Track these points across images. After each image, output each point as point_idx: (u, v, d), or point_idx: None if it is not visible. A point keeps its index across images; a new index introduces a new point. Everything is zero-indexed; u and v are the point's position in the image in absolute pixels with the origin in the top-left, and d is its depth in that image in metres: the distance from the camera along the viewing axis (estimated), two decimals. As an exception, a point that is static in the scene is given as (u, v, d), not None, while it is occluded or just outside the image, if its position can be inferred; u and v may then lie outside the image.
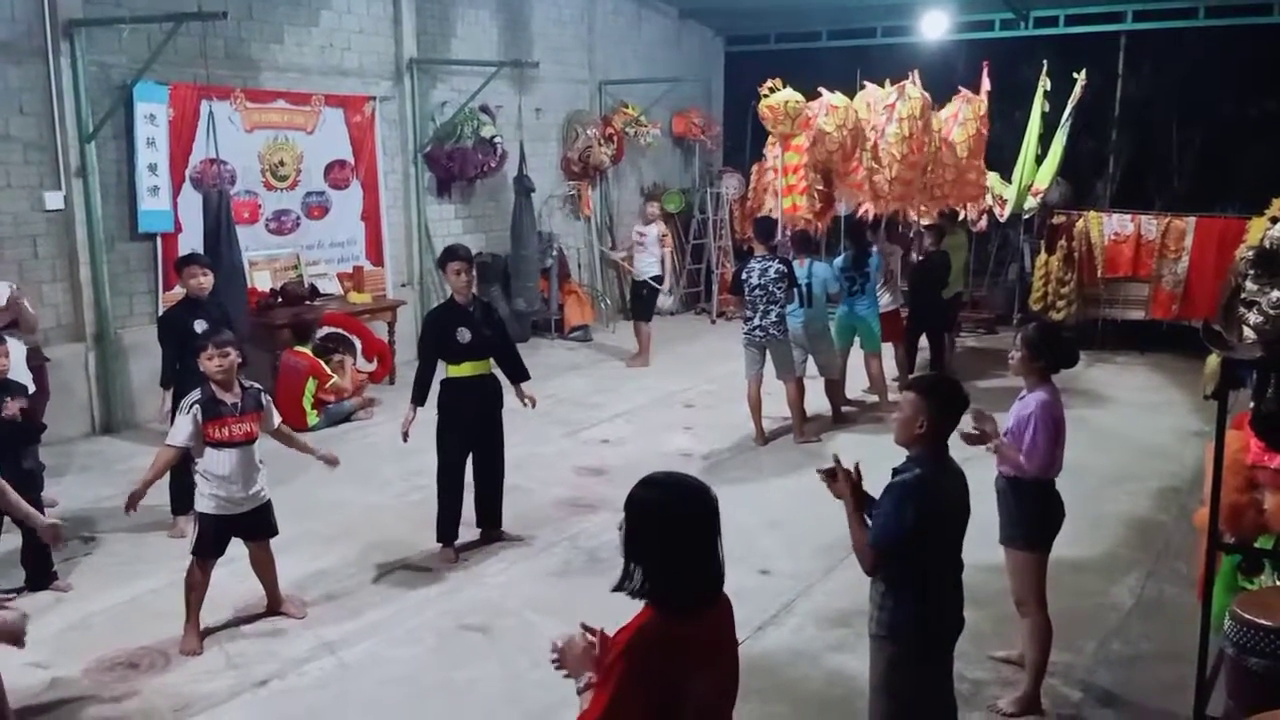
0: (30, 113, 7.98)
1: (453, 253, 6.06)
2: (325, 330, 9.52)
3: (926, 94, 9.40)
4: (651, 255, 11.49)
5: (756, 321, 8.18)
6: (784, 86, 8.86)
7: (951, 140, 9.90)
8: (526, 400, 6.35)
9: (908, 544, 3.41)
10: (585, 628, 2.60)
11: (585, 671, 2.51)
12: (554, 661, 2.58)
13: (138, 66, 8.27)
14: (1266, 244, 4.42)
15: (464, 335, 5.95)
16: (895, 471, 3.56)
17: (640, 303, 11.46)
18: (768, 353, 8.25)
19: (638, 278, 11.50)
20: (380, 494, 7.22)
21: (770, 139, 9.24)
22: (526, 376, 6.41)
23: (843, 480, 3.61)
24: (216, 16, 7.85)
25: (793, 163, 9.02)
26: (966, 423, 4.28)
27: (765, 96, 8.79)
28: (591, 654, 2.53)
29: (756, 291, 8.14)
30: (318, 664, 4.92)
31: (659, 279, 11.51)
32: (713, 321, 14.00)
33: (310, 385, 8.66)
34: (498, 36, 12.03)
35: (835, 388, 9.07)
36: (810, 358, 8.75)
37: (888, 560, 3.46)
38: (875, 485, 3.63)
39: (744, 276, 8.27)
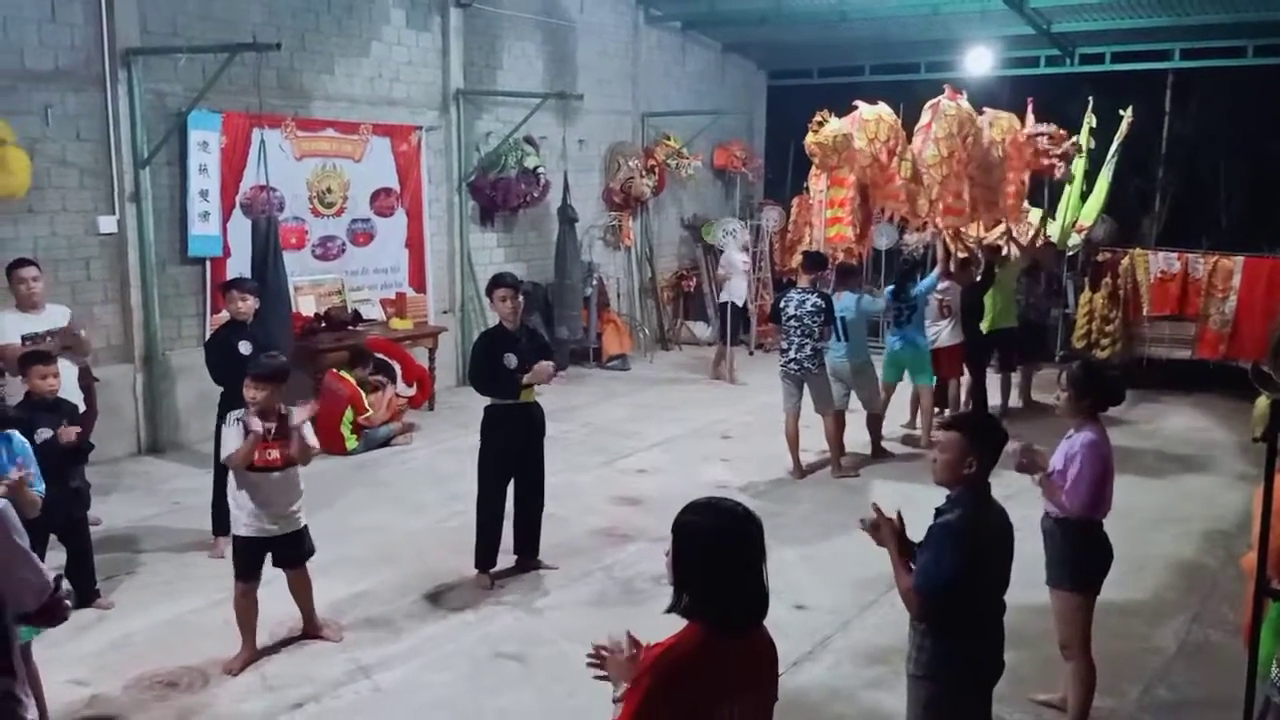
0: (87, 139, 8.17)
1: (499, 280, 6.15)
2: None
3: (967, 107, 9.23)
4: (742, 281, 12.44)
5: (791, 355, 8.17)
6: (831, 117, 8.77)
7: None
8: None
9: (955, 587, 3.38)
10: (632, 639, 2.61)
11: (624, 682, 2.53)
12: (592, 661, 2.62)
13: (192, 95, 8.46)
14: (1317, 285, 4.36)
15: (511, 360, 5.97)
16: (938, 511, 3.52)
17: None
18: (805, 386, 8.22)
19: (739, 302, 12.41)
20: (419, 519, 7.26)
21: (814, 170, 9.22)
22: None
23: (885, 528, 3.56)
24: (270, 47, 8.03)
25: (839, 196, 8.99)
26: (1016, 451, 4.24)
27: (814, 132, 8.69)
28: (633, 665, 2.55)
29: (791, 323, 8.12)
30: (353, 688, 4.94)
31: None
32: (750, 353, 13.97)
33: (348, 413, 8.76)
34: (543, 68, 12.18)
35: (877, 422, 9.01)
36: (853, 392, 8.70)
37: (936, 605, 3.41)
38: (916, 520, 3.60)
39: (781, 305, 8.29)
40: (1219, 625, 5.71)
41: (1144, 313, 11.54)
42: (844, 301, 8.47)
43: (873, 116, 8.85)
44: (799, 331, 8.10)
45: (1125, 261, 11.54)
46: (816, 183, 9.28)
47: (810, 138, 8.70)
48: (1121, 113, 10.86)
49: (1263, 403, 8.25)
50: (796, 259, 14.60)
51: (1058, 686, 4.67)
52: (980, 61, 12.98)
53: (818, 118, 8.71)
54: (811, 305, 8.08)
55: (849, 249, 9.13)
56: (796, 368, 8.16)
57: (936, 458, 3.54)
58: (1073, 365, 4.66)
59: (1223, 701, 4.49)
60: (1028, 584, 4.29)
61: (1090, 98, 10.86)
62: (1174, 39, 12.61)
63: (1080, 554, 4.35)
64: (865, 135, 8.74)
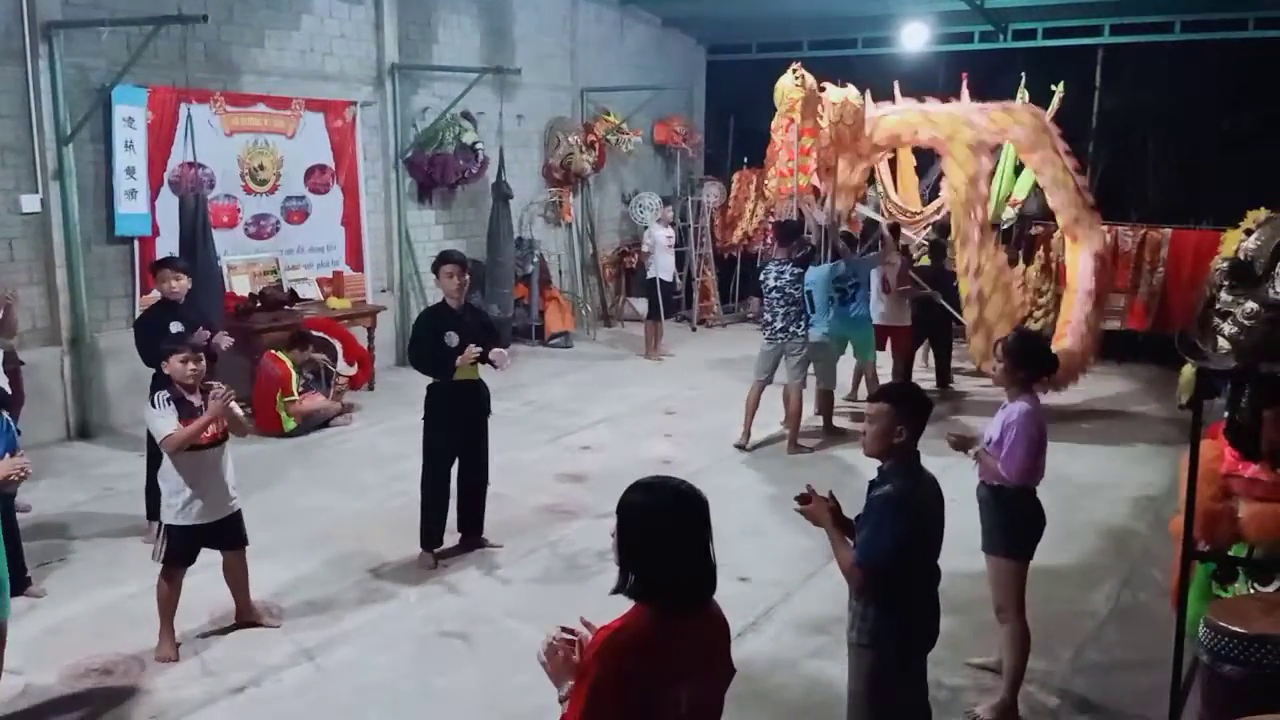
0: (7, 115, 7.91)
1: (446, 256, 6.14)
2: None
3: (855, 98, 9.36)
4: (667, 257, 12.53)
5: (778, 325, 8.25)
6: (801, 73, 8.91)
7: None
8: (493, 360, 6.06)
9: (896, 558, 3.42)
10: (565, 629, 2.59)
11: (567, 680, 2.51)
12: (542, 663, 2.58)
13: (117, 69, 8.22)
14: (1240, 256, 4.49)
15: (452, 339, 5.93)
16: (872, 484, 3.57)
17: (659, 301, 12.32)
18: (782, 358, 8.29)
19: (666, 277, 12.49)
20: (360, 500, 7.19)
21: (777, 120, 9.32)
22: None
23: (818, 506, 3.60)
24: (197, 19, 7.83)
25: (806, 145, 9.16)
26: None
27: (797, 79, 8.77)
28: (572, 660, 2.54)
29: (774, 294, 8.23)
30: (295, 671, 4.89)
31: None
32: (693, 329, 14.03)
33: (280, 394, 8.64)
34: (480, 43, 12.03)
35: (829, 398, 9.08)
36: (812, 365, 8.76)
37: (877, 578, 3.45)
38: (861, 495, 3.64)
39: (761, 279, 8.40)
40: (1148, 588, 5.88)
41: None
42: (809, 275, 8.53)
43: (839, 99, 8.96)
44: (782, 301, 8.19)
45: (1058, 234, 11.74)
46: (785, 134, 9.35)
47: (783, 89, 8.81)
48: (1053, 88, 11.03)
49: (1188, 371, 8.50)
50: (737, 235, 14.74)
51: (993, 650, 4.78)
52: (915, 37, 13.12)
53: (794, 67, 8.92)
54: (790, 275, 8.18)
55: (809, 203, 9.28)
56: (784, 336, 8.24)
57: (866, 429, 3.60)
58: (1008, 337, 4.74)
59: (1153, 662, 4.64)
60: (963, 551, 4.38)
61: (1023, 73, 11.01)
62: (1104, 15, 12.84)
63: (1014, 521, 4.44)
64: (828, 116, 8.87)
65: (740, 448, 8.42)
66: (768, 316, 8.38)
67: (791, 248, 8.41)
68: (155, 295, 6.77)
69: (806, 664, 5.01)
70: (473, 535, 6.34)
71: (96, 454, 8.06)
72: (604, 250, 14.28)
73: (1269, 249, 4.42)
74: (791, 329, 8.22)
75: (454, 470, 6.20)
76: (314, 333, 9.32)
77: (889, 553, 3.41)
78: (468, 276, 6.12)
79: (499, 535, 6.43)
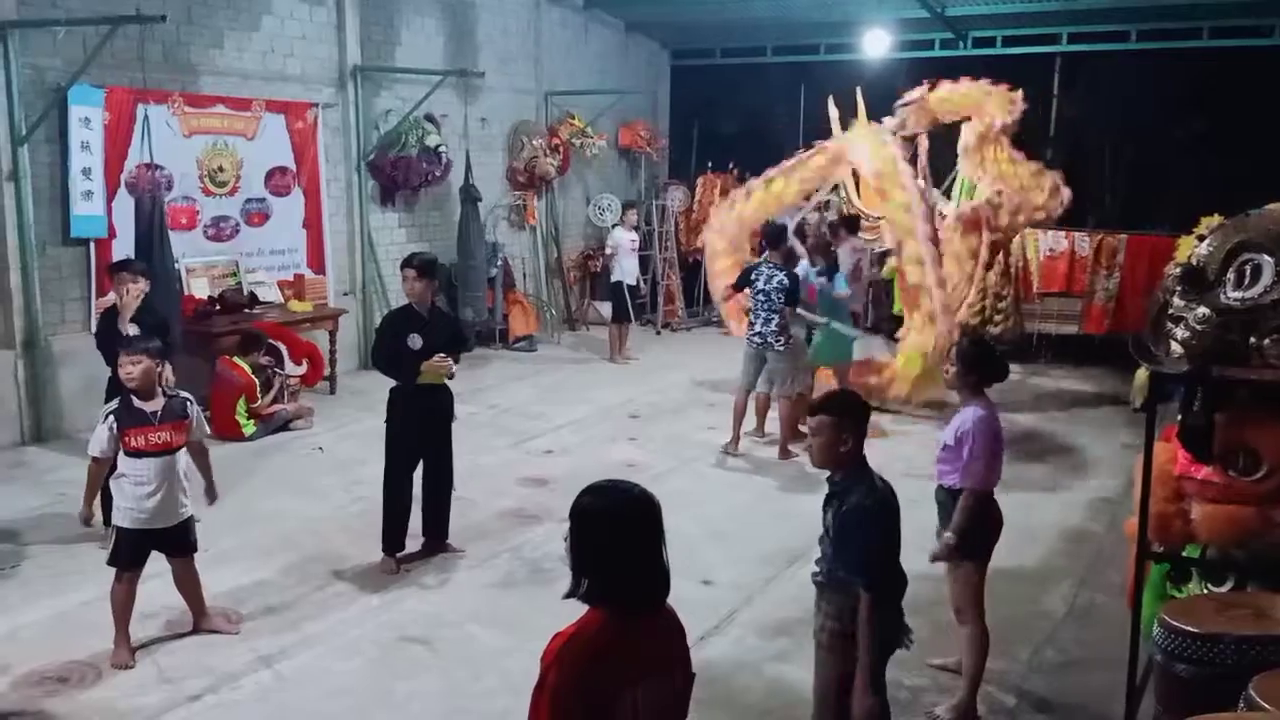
0: (-40, 114, 7.78)
1: (407, 261, 6.09)
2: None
3: None
4: (631, 260, 12.54)
5: (757, 328, 8.26)
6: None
7: None
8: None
9: (883, 556, 3.48)
10: None
11: None
12: None
13: (73, 69, 8.10)
14: (1193, 261, 4.55)
15: (415, 341, 5.89)
16: (830, 498, 3.60)
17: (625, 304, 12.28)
18: (766, 364, 8.29)
19: (631, 281, 12.46)
20: (320, 504, 7.12)
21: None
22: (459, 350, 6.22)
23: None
24: (154, 20, 7.73)
25: None
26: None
27: None
28: None
29: (758, 297, 8.21)
30: (254, 677, 4.83)
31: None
32: (658, 333, 14.05)
33: (241, 401, 8.53)
34: (443, 45, 11.98)
35: (802, 404, 9.06)
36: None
37: (879, 584, 3.49)
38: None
39: (752, 278, 8.32)
40: (1104, 589, 5.95)
41: (1034, 289, 11.92)
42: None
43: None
44: (765, 306, 8.18)
45: (1016, 240, 11.89)
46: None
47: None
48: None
49: (1142, 374, 8.59)
50: (701, 239, 14.76)
51: (953, 651, 4.82)
52: (877, 44, 13.25)
53: None
54: (778, 282, 8.16)
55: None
56: (760, 341, 8.23)
57: (811, 442, 3.62)
58: (962, 342, 4.79)
59: (1108, 661, 4.70)
60: (922, 553, 4.42)
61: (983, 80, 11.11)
62: (1062, 23, 13.04)
63: (973, 524, 4.49)
64: None
65: (728, 453, 8.35)
66: (751, 318, 8.37)
67: (783, 252, 8.40)
68: (112, 298, 6.67)
69: (768, 666, 5.02)
70: (436, 540, 6.30)
71: (50, 459, 7.92)
72: (568, 253, 14.27)
73: (1220, 255, 4.47)
74: (770, 339, 8.19)
75: (417, 474, 6.17)
76: (256, 330, 9.07)
77: (874, 557, 3.48)
78: (434, 281, 6.08)
79: (461, 539, 6.40)
